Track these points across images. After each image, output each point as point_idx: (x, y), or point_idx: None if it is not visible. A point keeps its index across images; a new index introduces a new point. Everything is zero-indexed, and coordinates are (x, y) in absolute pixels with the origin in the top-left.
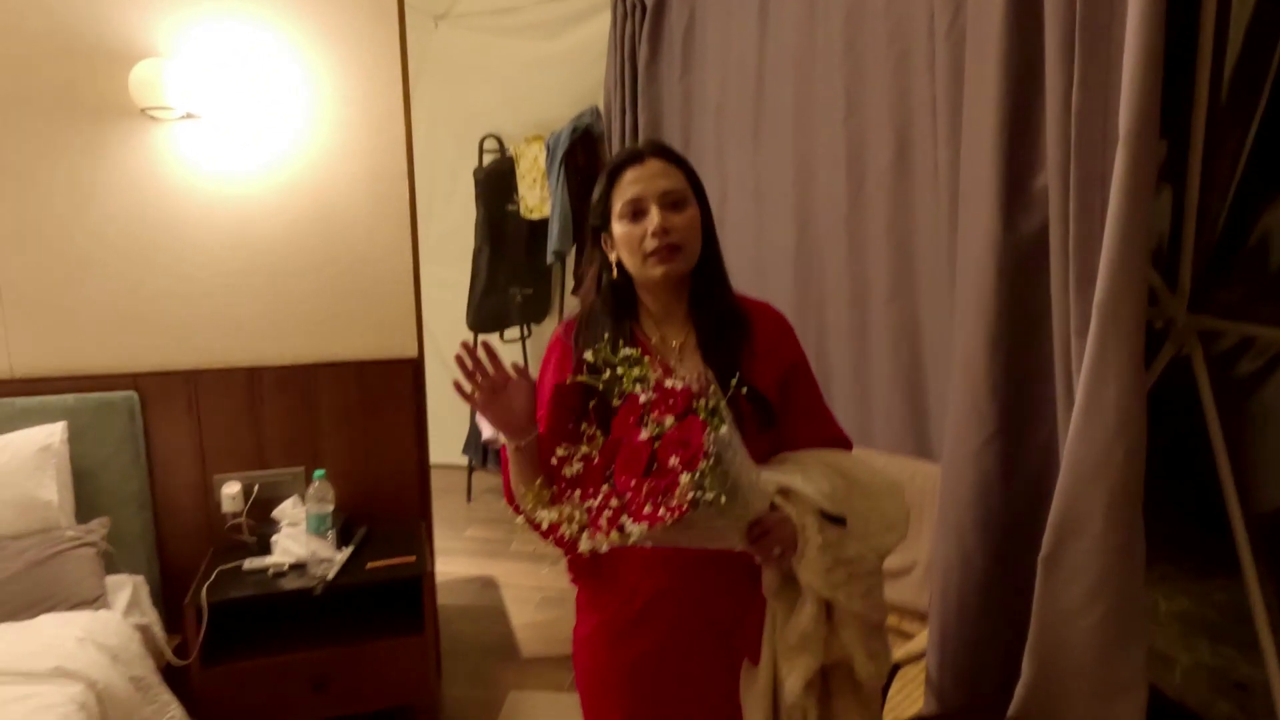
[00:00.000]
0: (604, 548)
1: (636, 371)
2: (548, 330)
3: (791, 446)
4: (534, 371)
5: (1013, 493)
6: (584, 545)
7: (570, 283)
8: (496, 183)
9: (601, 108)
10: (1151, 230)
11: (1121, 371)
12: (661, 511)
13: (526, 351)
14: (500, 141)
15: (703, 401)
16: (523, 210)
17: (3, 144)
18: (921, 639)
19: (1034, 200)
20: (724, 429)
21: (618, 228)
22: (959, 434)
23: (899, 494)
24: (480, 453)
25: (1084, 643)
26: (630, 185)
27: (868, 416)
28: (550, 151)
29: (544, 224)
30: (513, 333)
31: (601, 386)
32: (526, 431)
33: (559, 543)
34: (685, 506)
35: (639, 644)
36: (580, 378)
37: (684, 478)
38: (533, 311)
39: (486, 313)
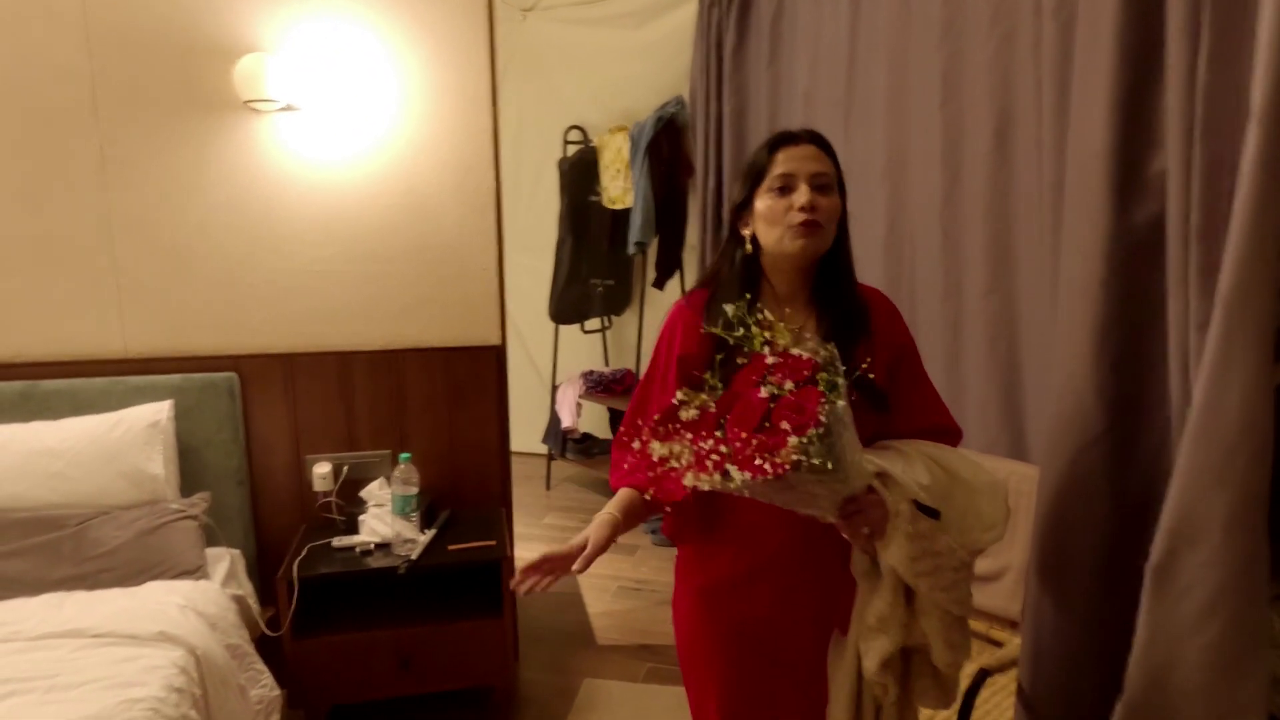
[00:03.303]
0: (705, 487)
1: (767, 334)
2: (628, 322)
3: (897, 430)
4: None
5: (1119, 497)
6: (688, 480)
7: (651, 274)
8: (580, 173)
9: (687, 97)
10: None
11: (1248, 370)
12: (766, 465)
13: (607, 343)
14: (584, 132)
15: (825, 374)
16: (605, 201)
17: (121, 136)
18: (1013, 646)
19: (1150, 186)
20: (840, 404)
21: (763, 201)
22: (1061, 433)
23: (1000, 494)
24: (560, 442)
25: (1196, 663)
26: (784, 162)
27: (961, 414)
28: (634, 142)
29: (626, 215)
30: (593, 324)
31: (733, 341)
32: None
33: (665, 482)
34: (787, 466)
35: (739, 610)
36: (713, 328)
37: (792, 440)
38: (613, 303)
39: (568, 304)
